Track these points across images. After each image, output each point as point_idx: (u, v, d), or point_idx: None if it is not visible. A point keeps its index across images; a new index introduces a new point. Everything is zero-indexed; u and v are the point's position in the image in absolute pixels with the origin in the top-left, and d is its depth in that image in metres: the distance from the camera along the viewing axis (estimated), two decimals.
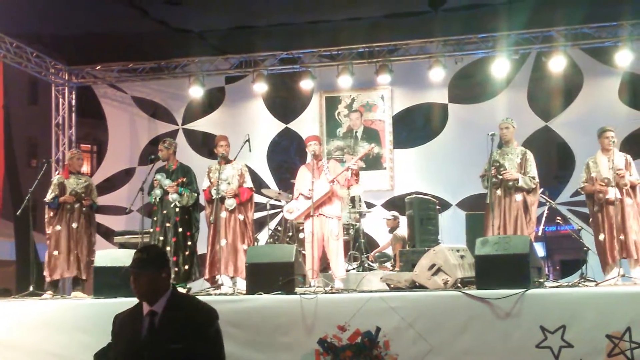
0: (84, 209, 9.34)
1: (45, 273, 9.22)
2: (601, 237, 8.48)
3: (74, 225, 9.23)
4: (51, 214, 9.32)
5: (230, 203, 8.82)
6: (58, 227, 9.20)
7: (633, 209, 8.29)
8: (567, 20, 11.04)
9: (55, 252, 9.15)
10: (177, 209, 8.95)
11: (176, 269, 8.77)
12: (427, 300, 6.72)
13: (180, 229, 8.95)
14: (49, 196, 9.35)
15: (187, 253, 8.94)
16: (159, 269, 3.84)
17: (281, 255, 7.52)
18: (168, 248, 8.80)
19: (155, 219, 9.06)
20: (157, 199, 8.99)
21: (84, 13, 10.66)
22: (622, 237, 8.13)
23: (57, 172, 12.72)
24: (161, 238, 8.90)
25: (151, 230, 9.06)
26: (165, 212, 8.96)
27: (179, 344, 3.70)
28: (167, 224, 8.93)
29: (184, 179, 9.02)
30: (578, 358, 6.10)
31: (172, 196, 8.94)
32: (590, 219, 8.88)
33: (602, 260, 8.50)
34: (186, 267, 8.90)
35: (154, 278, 3.82)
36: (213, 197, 8.71)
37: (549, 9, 10.58)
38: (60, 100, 13.21)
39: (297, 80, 12.57)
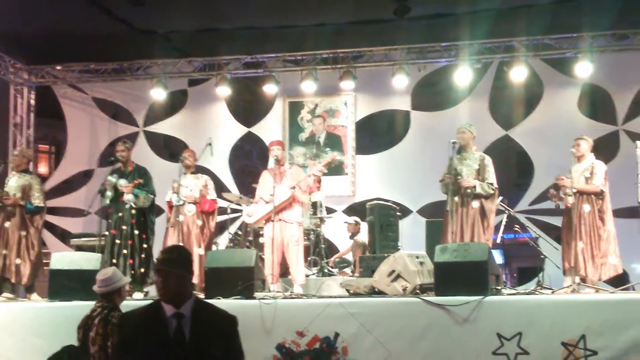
0: (17, 209, 9.04)
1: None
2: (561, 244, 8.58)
3: (7, 224, 8.98)
4: None
5: (190, 209, 8.80)
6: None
7: (589, 217, 8.28)
8: (528, 31, 11.16)
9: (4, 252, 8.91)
10: (133, 211, 8.85)
11: (132, 272, 8.66)
12: (386, 306, 6.74)
13: (136, 232, 8.85)
14: None
15: (143, 256, 8.81)
16: (187, 270, 3.68)
17: (241, 260, 7.49)
18: (124, 251, 8.70)
19: (110, 221, 8.94)
20: (109, 201, 8.84)
21: (45, 10, 10.45)
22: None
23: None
24: (117, 241, 8.78)
25: (107, 232, 8.89)
26: (120, 214, 8.85)
27: (214, 352, 3.52)
28: (123, 227, 8.82)
29: (141, 181, 8.91)
30: None
31: (127, 197, 8.82)
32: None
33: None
34: (142, 270, 8.77)
35: (183, 278, 3.64)
36: (174, 204, 8.68)
37: (511, 19, 10.67)
38: (19, 99, 12.99)
39: (260, 84, 12.52)
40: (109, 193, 8.84)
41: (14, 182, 9.14)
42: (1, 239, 8.97)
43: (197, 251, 8.72)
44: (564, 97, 11.80)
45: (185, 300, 3.59)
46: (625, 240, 10.91)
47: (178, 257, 3.68)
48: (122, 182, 8.87)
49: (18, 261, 8.87)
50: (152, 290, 9.17)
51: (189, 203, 8.88)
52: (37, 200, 9.14)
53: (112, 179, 8.89)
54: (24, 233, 9.07)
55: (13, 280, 8.90)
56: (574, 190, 8.15)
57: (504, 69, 11.61)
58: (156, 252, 9.27)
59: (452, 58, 11.74)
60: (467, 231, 8.31)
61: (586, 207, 8.24)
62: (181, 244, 8.59)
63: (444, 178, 8.49)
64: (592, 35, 11.09)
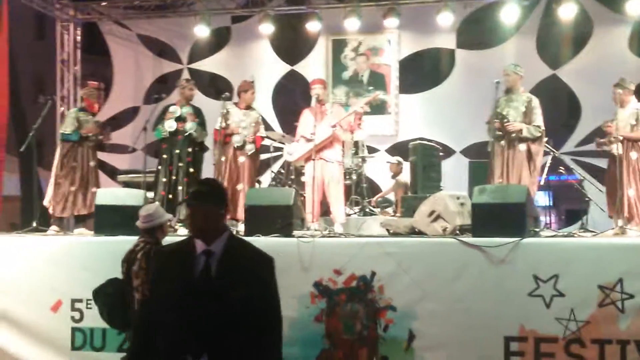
0: (94, 148, 9.21)
1: (53, 208, 9.01)
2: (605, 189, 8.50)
3: (92, 163, 9.10)
4: (65, 149, 9.04)
5: (250, 148, 8.80)
6: (74, 164, 8.99)
7: (637, 164, 8.18)
8: None
9: (73, 188, 8.95)
10: (189, 149, 8.87)
11: None
12: (423, 246, 6.78)
13: (191, 170, 8.87)
14: (68, 128, 9.05)
15: None
16: (218, 204, 3.47)
17: (280, 198, 7.56)
18: (180, 188, 8.76)
19: (165, 157, 8.87)
20: (168, 133, 8.82)
21: None
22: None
23: (62, 109, 12.72)
24: (174, 177, 8.81)
25: (159, 168, 8.89)
26: (178, 151, 8.83)
27: (242, 292, 3.29)
28: (180, 164, 8.81)
29: (197, 119, 8.97)
30: (569, 307, 6.19)
31: (189, 125, 8.81)
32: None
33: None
34: None
35: (213, 213, 3.43)
36: (235, 144, 8.71)
37: None
38: (66, 36, 13.10)
39: (303, 22, 12.40)
40: (170, 122, 8.80)
41: (91, 119, 9.24)
42: (86, 178, 9.04)
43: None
44: (614, 36, 11.45)
45: (217, 237, 3.42)
46: None
47: (208, 190, 3.51)
48: (186, 110, 8.89)
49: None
50: None
51: (250, 143, 8.84)
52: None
53: (174, 109, 8.90)
54: (98, 170, 9.39)
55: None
56: (620, 138, 8.01)
57: (553, 5, 11.28)
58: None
59: None
60: (514, 174, 8.23)
61: (633, 155, 8.15)
62: (241, 185, 8.65)
63: (490, 121, 8.38)
64: None
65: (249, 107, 9.05)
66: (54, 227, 8.95)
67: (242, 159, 8.81)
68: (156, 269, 3.63)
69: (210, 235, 3.41)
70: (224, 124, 8.73)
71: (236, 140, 8.74)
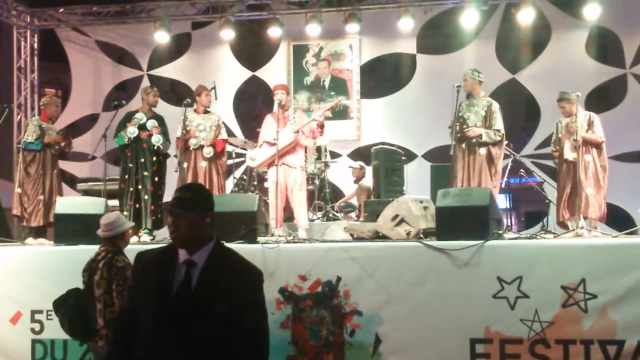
0: (55, 156, 9.14)
1: (27, 219, 8.91)
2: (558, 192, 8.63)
3: (56, 171, 9.06)
4: (28, 158, 8.98)
5: (208, 152, 8.77)
6: (41, 171, 8.93)
7: (590, 167, 8.35)
8: None
9: (41, 197, 8.89)
10: (154, 158, 8.81)
11: (153, 218, 8.73)
12: (388, 250, 6.77)
13: (156, 178, 8.83)
14: (31, 137, 8.98)
15: (160, 202, 8.88)
16: (204, 212, 3.22)
17: (244, 205, 7.49)
18: (146, 197, 8.70)
19: (130, 165, 8.79)
20: (129, 140, 8.72)
21: None
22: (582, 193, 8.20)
23: (19, 117, 12.52)
24: (139, 187, 8.74)
25: (126, 177, 8.79)
26: (142, 160, 8.77)
27: (223, 308, 3.09)
28: (145, 172, 8.76)
29: (161, 130, 8.88)
30: (533, 308, 6.23)
31: (155, 138, 8.74)
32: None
33: (558, 216, 8.63)
34: (159, 215, 8.82)
35: (197, 222, 3.19)
36: (191, 147, 8.64)
37: None
38: (22, 43, 12.91)
39: (264, 27, 12.40)
40: (132, 129, 8.71)
41: (53, 129, 9.15)
42: (51, 186, 8.98)
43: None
44: (571, 40, 11.66)
45: (201, 246, 3.21)
46: (631, 185, 10.94)
47: (193, 197, 3.26)
48: (151, 123, 8.80)
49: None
50: (160, 234, 9.25)
51: (208, 146, 8.79)
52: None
53: (140, 116, 8.81)
54: (60, 179, 9.29)
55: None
56: (580, 140, 8.14)
57: (512, 11, 11.44)
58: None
59: (458, 0, 11.55)
60: (475, 177, 8.33)
61: (588, 157, 8.36)
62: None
63: (452, 125, 8.45)
64: None
65: (207, 111, 9.00)
66: (31, 240, 8.77)
67: (203, 163, 8.75)
68: (135, 273, 3.40)
69: (193, 245, 3.21)
70: (184, 131, 8.70)
71: (192, 143, 8.73)
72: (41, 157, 8.99)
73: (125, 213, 8.33)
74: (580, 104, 8.62)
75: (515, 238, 7.40)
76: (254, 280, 3.25)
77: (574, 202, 8.16)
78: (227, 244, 6.81)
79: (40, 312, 7.16)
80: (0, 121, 9.21)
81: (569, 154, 8.32)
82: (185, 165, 8.66)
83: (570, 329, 6.19)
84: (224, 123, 9.37)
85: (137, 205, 8.72)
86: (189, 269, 3.18)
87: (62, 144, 9.14)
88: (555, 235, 7.91)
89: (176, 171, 8.65)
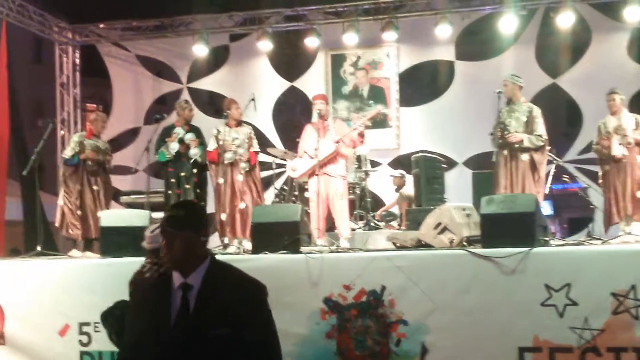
0: (100, 171, 9.20)
1: (67, 231, 9.01)
2: (605, 195, 8.50)
3: (95, 187, 9.11)
4: (68, 172, 9.12)
5: (244, 166, 8.68)
6: (79, 187, 9.02)
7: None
8: None
9: (79, 212, 8.97)
10: (195, 170, 8.91)
11: None
12: (432, 258, 6.73)
13: (198, 190, 8.94)
14: (68, 153, 9.15)
15: None
16: (198, 229, 3.07)
17: (287, 215, 7.52)
18: None
19: (172, 180, 8.90)
20: (172, 155, 8.83)
21: None
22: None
23: (63, 132, 12.73)
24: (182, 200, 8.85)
25: (169, 192, 8.91)
26: (183, 173, 8.88)
27: (224, 330, 2.94)
28: (187, 186, 8.87)
29: (199, 143, 8.97)
30: (583, 316, 6.12)
31: (193, 151, 8.84)
32: (600, 180, 8.85)
33: (606, 219, 8.49)
34: None
35: (192, 242, 3.03)
36: (225, 161, 8.62)
37: None
38: (64, 59, 13.11)
39: (302, 38, 12.43)
40: (174, 145, 8.83)
41: (94, 144, 9.23)
42: (93, 202, 9.06)
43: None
44: (612, 43, 11.47)
45: (196, 267, 3.04)
46: None
47: (186, 215, 3.10)
48: (189, 137, 8.90)
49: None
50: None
51: (244, 162, 8.70)
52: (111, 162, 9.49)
53: (180, 131, 8.90)
54: (108, 194, 9.35)
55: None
56: (632, 142, 8.05)
57: (551, 15, 11.29)
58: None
59: (496, 5, 11.47)
60: (518, 184, 8.24)
61: (638, 158, 8.22)
62: (243, 203, 8.61)
63: (493, 131, 8.39)
64: None
65: (239, 124, 8.99)
66: (75, 252, 8.88)
67: (239, 177, 8.73)
68: (134, 304, 3.23)
69: (188, 266, 3.04)
70: (216, 145, 8.74)
71: (227, 157, 8.64)
72: (80, 172, 9.10)
73: None
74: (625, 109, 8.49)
75: (562, 245, 7.31)
76: (254, 295, 3.09)
77: (625, 205, 8.04)
78: (271, 254, 6.94)
79: (88, 324, 7.27)
80: (45, 137, 9.33)
81: (618, 150, 8.19)
82: (221, 180, 8.68)
83: (622, 337, 6.07)
84: (261, 134, 9.38)
85: None
86: (185, 293, 3.01)
87: (98, 160, 9.16)
88: (603, 241, 7.78)
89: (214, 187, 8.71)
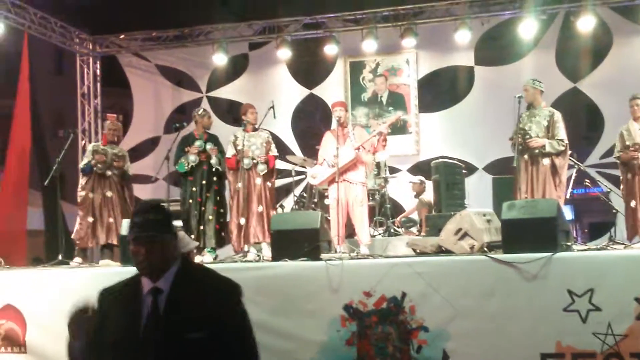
0: (115, 177, 9.29)
1: (76, 240, 9.16)
2: (632, 203, 8.38)
3: (109, 194, 9.20)
4: (84, 181, 9.26)
5: (262, 168, 8.74)
6: (91, 195, 9.14)
7: None
8: None
9: (90, 219, 9.09)
10: (215, 178, 8.98)
11: (219, 237, 8.91)
12: (453, 265, 6.68)
13: (218, 198, 9.01)
14: (83, 162, 9.36)
15: (223, 221, 9.04)
16: (173, 232, 2.97)
17: (306, 222, 7.51)
18: (210, 217, 8.87)
19: (193, 189, 8.95)
20: (191, 166, 8.89)
21: None
22: None
23: (84, 142, 12.84)
24: (203, 209, 8.90)
25: (190, 201, 8.95)
26: (204, 182, 8.93)
27: (197, 333, 2.84)
28: (207, 194, 8.92)
29: (218, 151, 9.03)
30: (606, 321, 6.05)
31: (214, 160, 8.92)
32: (623, 186, 8.75)
33: (631, 227, 8.39)
34: (222, 233, 8.99)
35: (171, 245, 2.94)
36: (244, 166, 8.64)
37: None
38: (85, 70, 13.24)
39: (321, 45, 12.45)
40: (192, 157, 8.90)
41: (109, 151, 9.34)
42: (106, 208, 9.17)
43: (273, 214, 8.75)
44: (634, 46, 11.38)
45: (166, 270, 2.93)
46: None
47: (164, 218, 2.97)
48: (209, 147, 8.97)
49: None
50: (222, 253, 9.31)
51: (263, 163, 8.76)
52: (130, 170, 9.56)
53: (199, 143, 8.97)
54: (124, 200, 9.39)
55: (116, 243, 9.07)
56: None
57: (571, 19, 11.23)
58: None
59: (516, 10, 11.43)
60: (538, 189, 8.19)
61: None
62: (261, 207, 8.66)
63: (513, 137, 8.33)
64: None
65: (256, 129, 9.02)
66: (77, 259, 9.01)
67: (258, 180, 8.76)
68: (101, 313, 3.00)
69: (164, 270, 2.94)
70: (234, 151, 8.80)
71: (246, 163, 8.69)
72: (96, 180, 9.22)
73: (192, 236, 8.43)
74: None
75: (585, 250, 7.23)
76: (229, 296, 2.97)
77: None
78: (291, 261, 6.93)
79: None
80: (66, 147, 9.42)
81: None
82: (239, 185, 8.70)
83: None
84: (280, 140, 9.40)
85: (202, 227, 8.85)
86: (155, 298, 2.91)
87: (107, 163, 9.22)
88: (626, 245, 7.69)
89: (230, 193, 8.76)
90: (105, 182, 9.25)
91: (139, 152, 13.91)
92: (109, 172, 9.26)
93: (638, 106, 8.39)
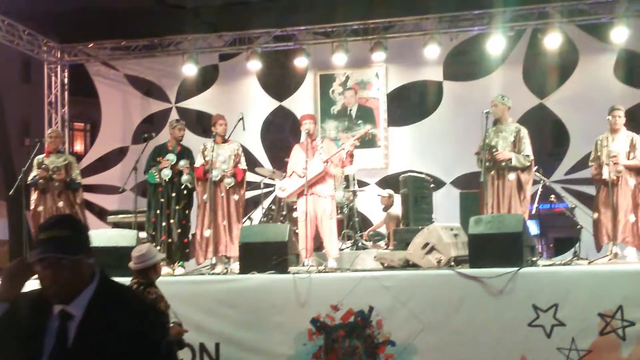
0: (61, 186, 9.26)
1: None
2: (595, 216, 8.48)
3: (60, 204, 9.18)
4: (35, 195, 9.26)
5: (229, 182, 8.73)
6: (40, 208, 9.16)
7: (633, 190, 8.20)
8: None
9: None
10: (185, 192, 8.97)
11: (187, 250, 8.96)
12: (420, 279, 6.73)
13: (187, 211, 9.03)
14: (30, 176, 9.28)
15: (188, 234, 9.07)
16: (88, 251, 2.47)
17: (275, 235, 7.51)
18: (178, 230, 8.87)
19: (162, 200, 8.94)
20: (164, 182, 8.90)
21: None
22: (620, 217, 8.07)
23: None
24: (172, 221, 8.90)
25: (157, 212, 8.94)
26: (174, 194, 8.93)
27: None
28: (177, 207, 8.92)
29: (190, 168, 9.00)
30: (570, 336, 6.14)
31: (185, 177, 8.93)
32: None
33: (595, 239, 8.50)
34: (187, 250, 9.05)
35: (83, 266, 2.43)
36: (212, 178, 8.60)
37: None
38: (53, 78, 13.09)
39: (291, 58, 12.47)
40: (167, 172, 8.90)
41: (53, 162, 9.27)
42: None
43: (239, 227, 8.70)
44: (599, 64, 11.55)
45: (80, 293, 2.42)
46: None
47: (74, 235, 2.46)
48: (182, 163, 8.96)
49: None
50: (189, 266, 9.25)
51: (229, 177, 8.74)
52: (79, 177, 9.50)
53: (172, 157, 8.96)
54: (73, 210, 9.29)
55: None
56: (621, 168, 8.03)
57: (538, 36, 11.37)
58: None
59: (484, 26, 11.55)
60: (504, 204, 8.27)
61: (631, 182, 8.19)
62: (226, 221, 8.64)
63: (479, 152, 8.41)
64: None
65: (226, 140, 8.99)
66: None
67: (223, 194, 8.74)
68: (6, 320, 2.54)
69: (74, 293, 2.43)
70: (202, 161, 8.78)
71: (214, 174, 8.65)
72: (44, 192, 9.24)
73: (158, 247, 8.37)
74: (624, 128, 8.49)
75: (550, 265, 7.32)
76: (152, 327, 2.47)
77: (614, 227, 8.03)
78: (259, 274, 6.92)
79: None
80: (32, 156, 9.32)
81: (608, 175, 8.15)
82: (205, 196, 8.69)
83: (609, 357, 6.10)
84: (248, 151, 9.39)
85: (170, 240, 8.82)
86: (63, 324, 2.41)
87: (46, 177, 9.19)
88: (590, 261, 7.79)
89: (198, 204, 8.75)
90: (54, 193, 9.25)
91: (106, 162, 13.79)
92: (56, 183, 9.24)
93: (620, 117, 8.39)
